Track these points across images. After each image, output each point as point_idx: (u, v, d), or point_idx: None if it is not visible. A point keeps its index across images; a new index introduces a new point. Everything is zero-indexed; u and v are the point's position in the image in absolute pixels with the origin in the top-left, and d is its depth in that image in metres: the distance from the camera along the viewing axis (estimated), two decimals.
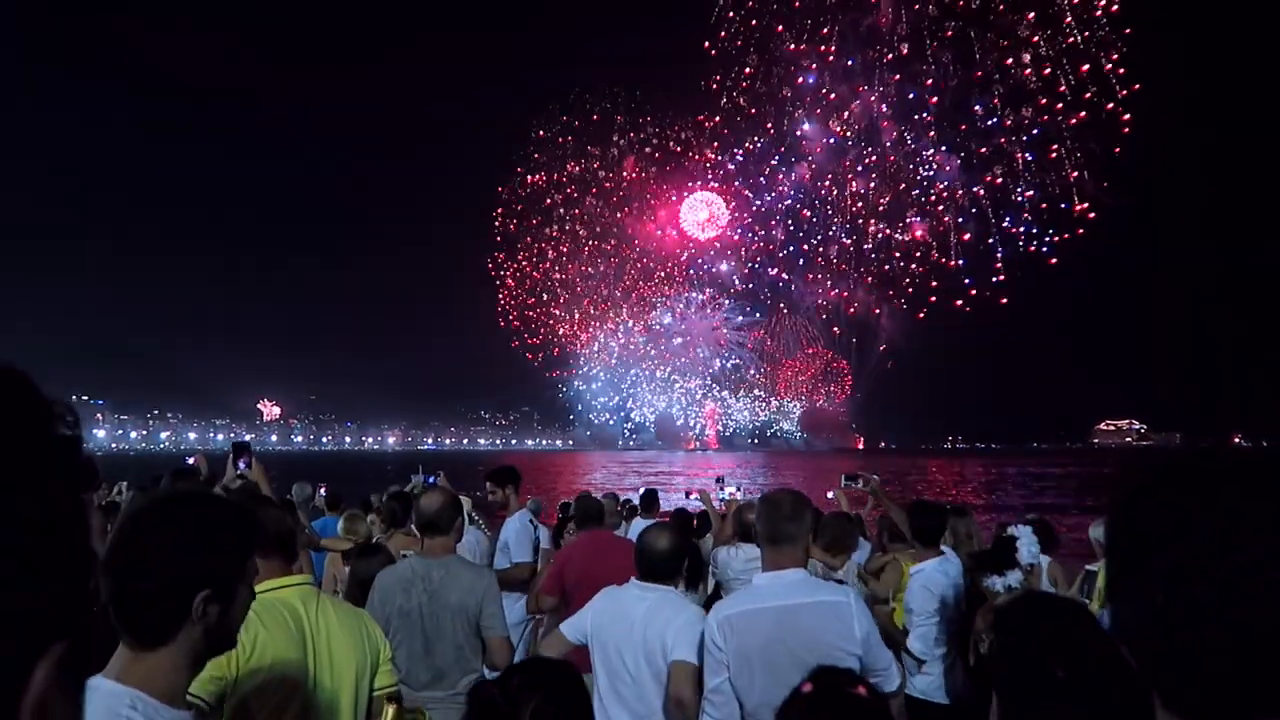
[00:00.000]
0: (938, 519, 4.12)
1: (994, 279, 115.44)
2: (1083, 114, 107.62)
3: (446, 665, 3.14)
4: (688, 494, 7.63)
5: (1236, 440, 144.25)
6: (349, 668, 2.27)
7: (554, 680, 1.76)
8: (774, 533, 2.63)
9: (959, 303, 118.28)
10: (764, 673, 2.53)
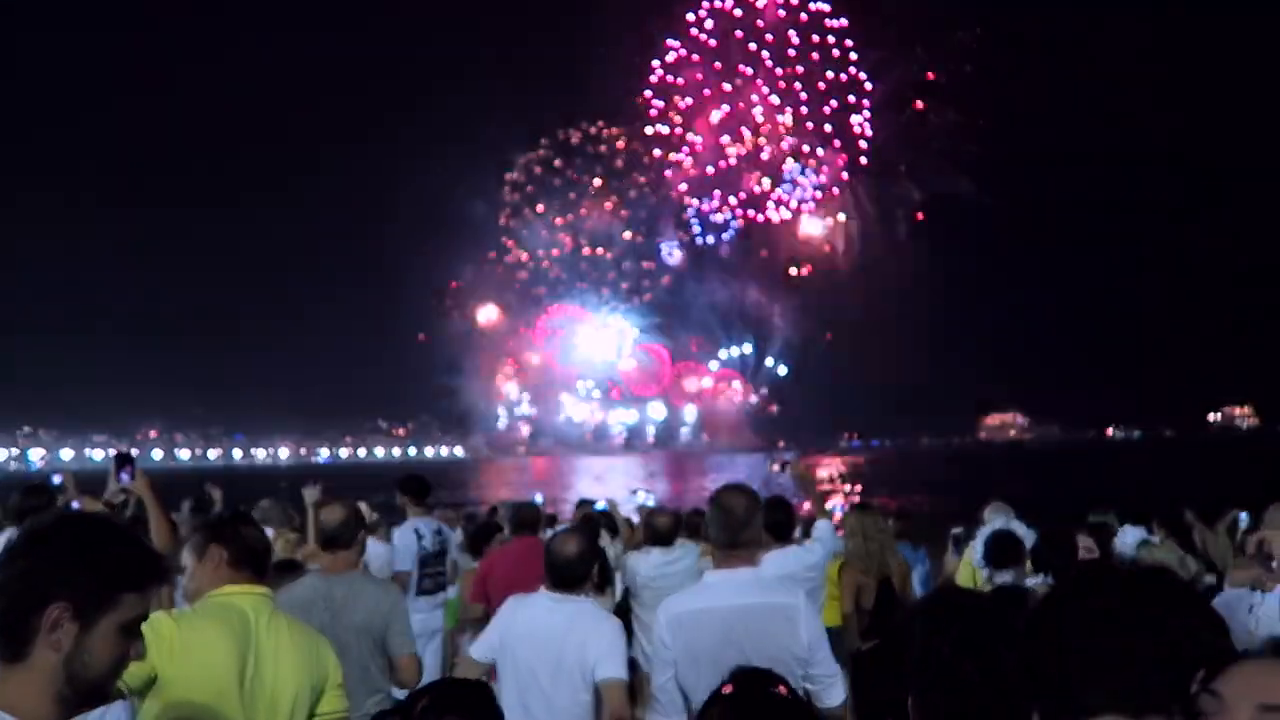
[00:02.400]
0: (787, 514, 4.27)
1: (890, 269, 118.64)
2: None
3: (352, 686, 3.01)
4: (582, 502, 7.57)
5: (1110, 431, 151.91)
6: (290, 685, 2.23)
7: (463, 702, 1.70)
8: (729, 537, 2.62)
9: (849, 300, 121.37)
10: (711, 672, 2.53)
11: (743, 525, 2.63)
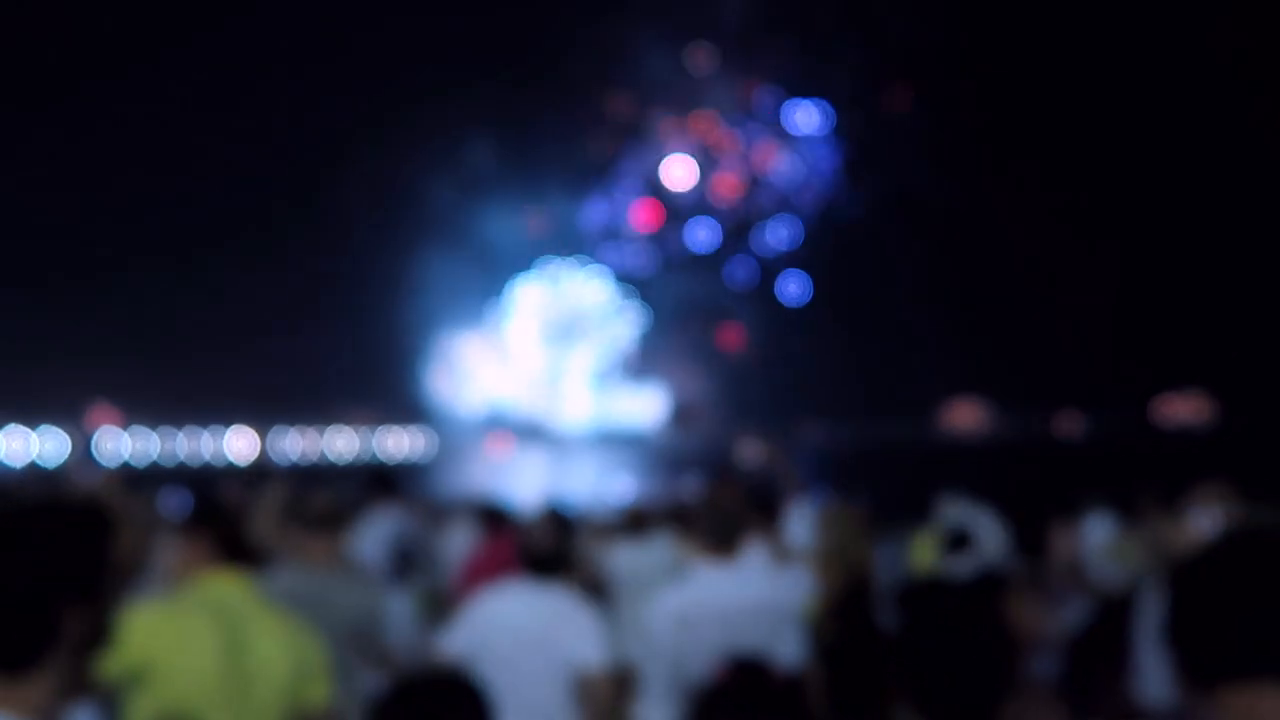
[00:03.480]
0: (770, 503, 4.30)
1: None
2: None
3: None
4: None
5: (1074, 417, 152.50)
6: (276, 673, 2.21)
7: (438, 696, 1.68)
8: (722, 530, 2.62)
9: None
10: (709, 664, 2.53)
11: (735, 518, 2.64)
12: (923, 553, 5.71)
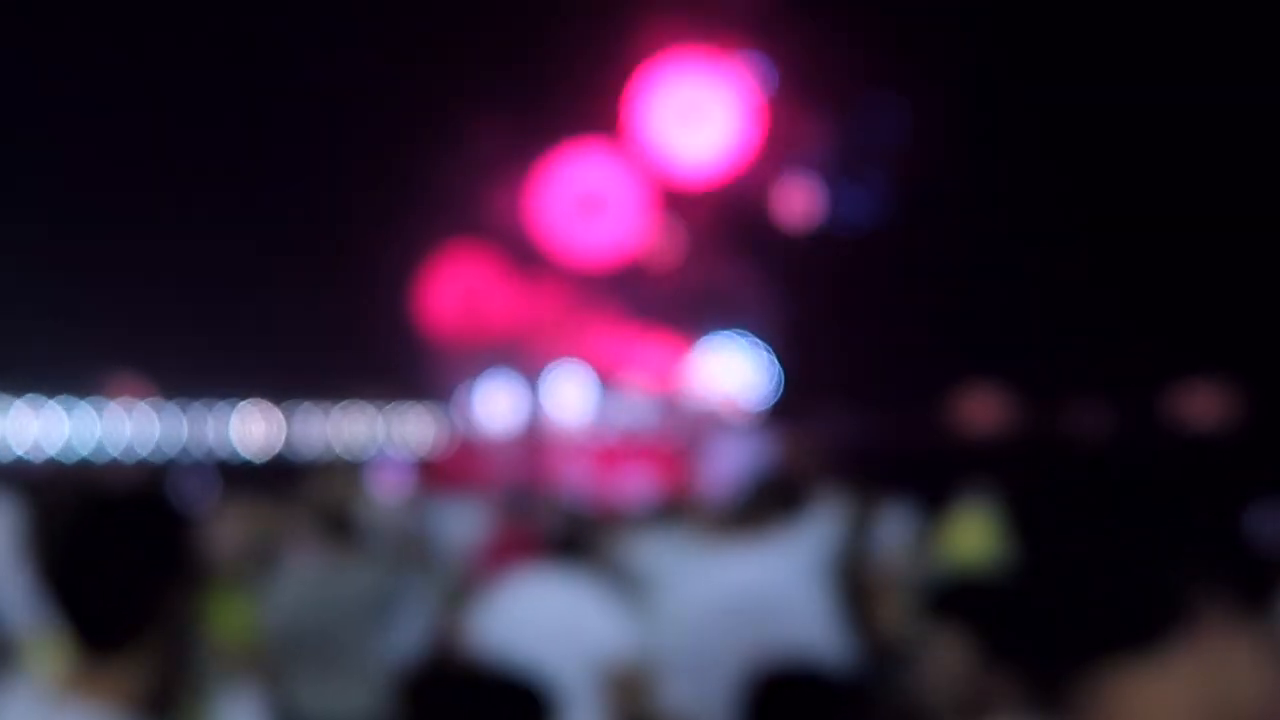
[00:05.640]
0: (793, 492, 4.27)
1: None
2: None
3: (357, 671, 2.94)
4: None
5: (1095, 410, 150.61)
6: None
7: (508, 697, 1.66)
8: (740, 516, 2.61)
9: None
10: (729, 654, 2.50)
11: (768, 502, 2.63)
12: (962, 542, 5.68)
